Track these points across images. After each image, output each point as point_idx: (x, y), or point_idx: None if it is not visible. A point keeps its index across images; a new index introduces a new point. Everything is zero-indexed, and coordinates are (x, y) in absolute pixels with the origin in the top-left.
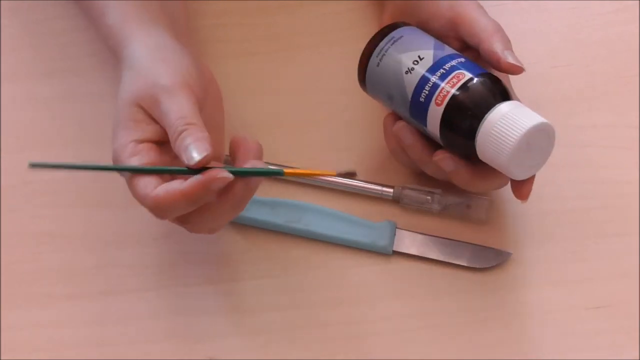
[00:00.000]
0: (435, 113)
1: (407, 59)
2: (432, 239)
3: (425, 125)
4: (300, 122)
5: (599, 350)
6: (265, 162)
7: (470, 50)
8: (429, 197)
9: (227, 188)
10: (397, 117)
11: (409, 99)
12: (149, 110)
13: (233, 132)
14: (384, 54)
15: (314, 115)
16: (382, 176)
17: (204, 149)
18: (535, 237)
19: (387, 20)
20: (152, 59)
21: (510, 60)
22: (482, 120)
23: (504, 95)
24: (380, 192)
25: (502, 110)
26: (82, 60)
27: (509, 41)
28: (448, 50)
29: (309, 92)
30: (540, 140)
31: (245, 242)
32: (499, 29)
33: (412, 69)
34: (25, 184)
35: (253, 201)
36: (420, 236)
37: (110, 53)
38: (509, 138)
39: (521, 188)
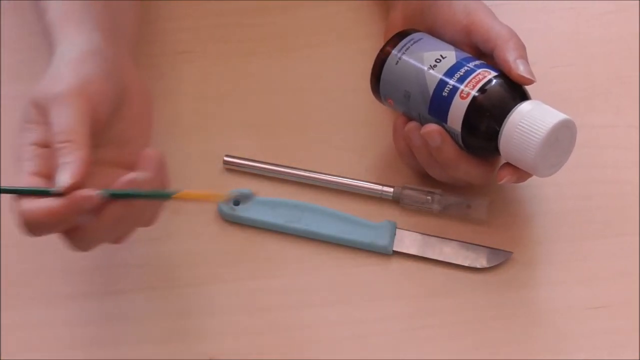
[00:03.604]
0: (459, 107)
1: (429, 57)
2: (432, 239)
3: (445, 122)
4: (301, 122)
5: (599, 350)
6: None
7: (483, 58)
8: (429, 197)
9: (103, 207)
10: (408, 119)
11: (430, 94)
12: (42, 114)
13: (233, 133)
14: (404, 53)
15: (314, 115)
16: (382, 176)
17: (71, 176)
18: (535, 237)
19: (397, 19)
20: (65, 61)
21: (521, 71)
22: (507, 117)
23: (524, 94)
24: (380, 192)
25: (526, 108)
26: None
27: (523, 47)
28: (466, 54)
29: (309, 92)
30: (564, 138)
31: (245, 242)
32: (513, 35)
33: (435, 65)
34: None
35: (253, 201)
36: (420, 236)
37: (49, 51)
38: (536, 134)
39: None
